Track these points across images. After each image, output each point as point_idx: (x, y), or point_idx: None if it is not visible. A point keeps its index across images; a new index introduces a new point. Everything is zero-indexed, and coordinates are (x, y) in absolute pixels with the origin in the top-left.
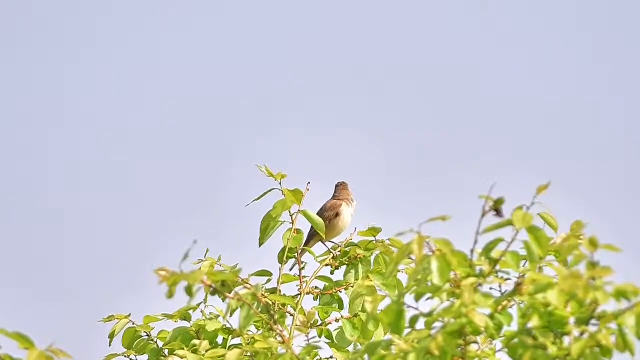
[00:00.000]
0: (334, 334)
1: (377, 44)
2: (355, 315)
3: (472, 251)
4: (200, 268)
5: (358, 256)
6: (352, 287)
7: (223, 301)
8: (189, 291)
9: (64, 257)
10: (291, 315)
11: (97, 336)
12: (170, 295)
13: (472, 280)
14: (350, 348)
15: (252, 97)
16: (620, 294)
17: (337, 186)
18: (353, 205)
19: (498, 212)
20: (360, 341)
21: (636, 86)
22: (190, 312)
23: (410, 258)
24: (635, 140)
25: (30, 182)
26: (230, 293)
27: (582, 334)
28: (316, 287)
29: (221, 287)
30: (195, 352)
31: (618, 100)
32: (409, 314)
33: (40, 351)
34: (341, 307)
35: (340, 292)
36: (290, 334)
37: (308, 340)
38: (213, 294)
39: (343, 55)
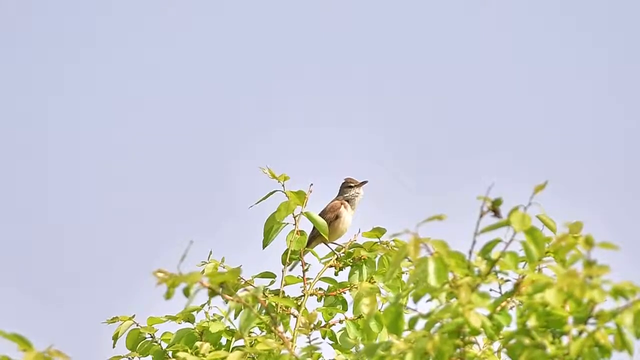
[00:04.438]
0: (338, 335)
1: (378, 44)
2: (359, 317)
3: (470, 252)
4: (203, 270)
5: (362, 257)
6: (356, 288)
7: (225, 303)
8: (187, 293)
9: (65, 257)
10: (294, 316)
11: (100, 338)
12: (169, 296)
13: (468, 279)
14: (355, 350)
15: (252, 97)
16: (618, 293)
17: (342, 184)
18: (354, 207)
19: (496, 213)
20: (364, 342)
21: (636, 86)
22: (194, 313)
23: (408, 260)
24: (636, 140)
25: (31, 182)
26: (230, 295)
27: (580, 333)
28: (320, 289)
29: (221, 290)
30: (197, 354)
31: (618, 100)
32: (408, 315)
33: (37, 353)
34: (345, 309)
35: (344, 293)
36: (293, 335)
37: (310, 341)
38: (212, 295)
39: (343, 55)
